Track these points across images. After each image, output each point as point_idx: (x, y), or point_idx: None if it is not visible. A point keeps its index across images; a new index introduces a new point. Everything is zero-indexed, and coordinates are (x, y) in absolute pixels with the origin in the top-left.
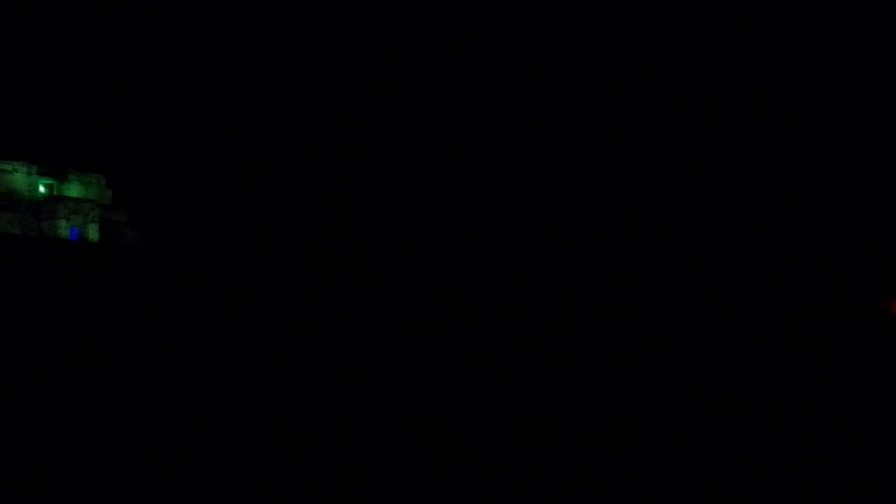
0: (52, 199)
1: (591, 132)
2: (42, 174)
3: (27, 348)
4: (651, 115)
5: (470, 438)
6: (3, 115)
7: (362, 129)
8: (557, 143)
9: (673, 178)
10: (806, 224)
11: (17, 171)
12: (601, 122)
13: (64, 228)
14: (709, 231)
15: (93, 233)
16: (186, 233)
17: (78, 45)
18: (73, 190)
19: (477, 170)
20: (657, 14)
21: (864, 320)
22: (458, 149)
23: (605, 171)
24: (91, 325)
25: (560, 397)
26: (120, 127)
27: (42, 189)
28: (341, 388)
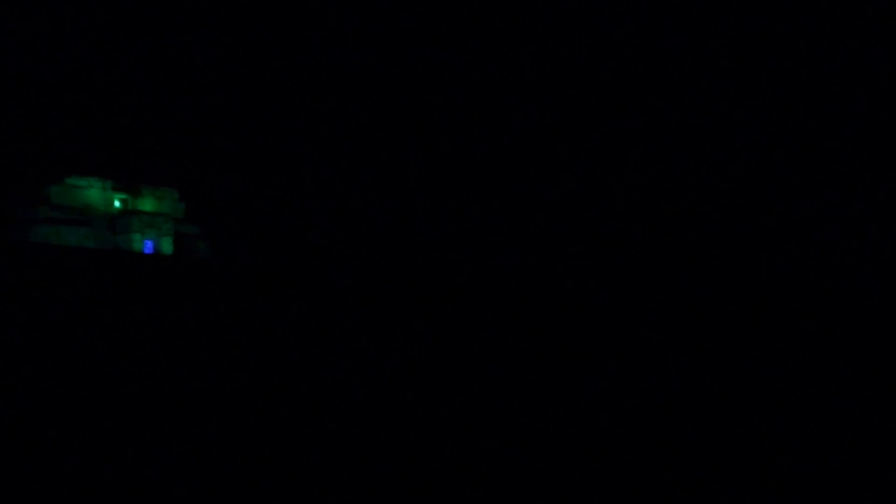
0: (127, 213)
1: (592, 132)
2: (117, 189)
3: (102, 360)
4: (651, 115)
5: (472, 439)
6: (79, 133)
7: (426, 147)
8: (558, 144)
9: (673, 179)
10: (806, 224)
11: (92, 187)
12: (601, 122)
13: (138, 242)
14: (709, 231)
15: (166, 246)
16: (258, 245)
17: (152, 64)
18: (147, 204)
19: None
20: (657, 14)
21: (865, 320)
22: (463, 150)
23: (606, 172)
24: (165, 338)
25: (560, 397)
26: (192, 142)
27: (117, 204)
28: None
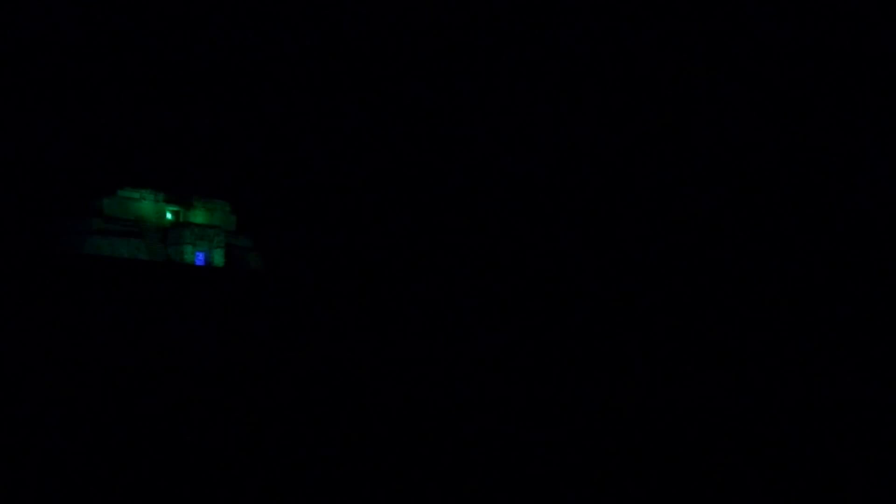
0: (179, 225)
1: (592, 132)
2: (169, 201)
3: (155, 370)
4: (651, 116)
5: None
6: (132, 146)
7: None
8: (559, 144)
9: (674, 179)
10: (807, 224)
11: (145, 199)
12: (601, 122)
13: (190, 254)
14: (710, 231)
15: (218, 258)
16: (309, 257)
17: (204, 79)
18: (199, 216)
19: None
20: (657, 14)
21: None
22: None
23: (606, 172)
24: (216, 347)
25: (560, 398)
26: (243, 155)
27: (169, 216)
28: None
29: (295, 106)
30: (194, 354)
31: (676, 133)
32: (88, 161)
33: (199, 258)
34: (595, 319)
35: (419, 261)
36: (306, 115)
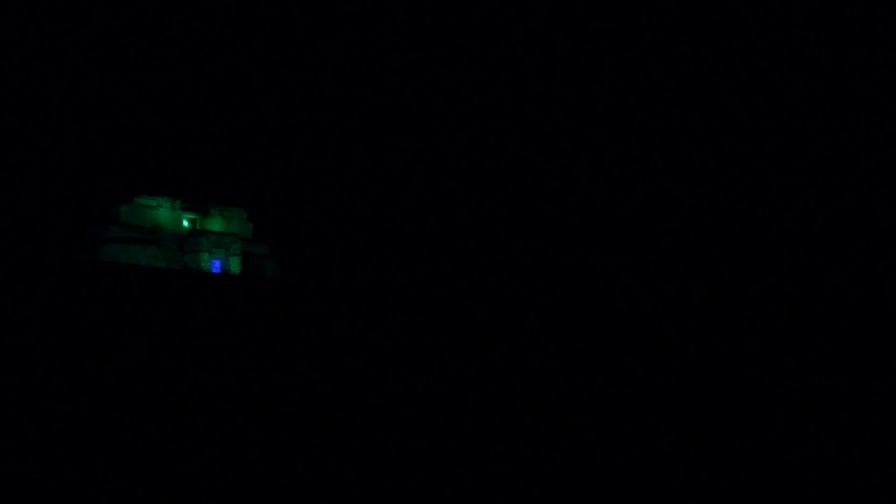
0: (196, 233)
1: (591, 132)
2: (186, 209)
3: (171, 378)
4: (651, 116)
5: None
6: (150, 155)
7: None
8: (559, 144)
9: (674, 179)
10: (806, 224)
11: (162, 207)
12: (601, 122)
13: (207, 261)
14: (709, 231)
15: (235, 265)
16: (326, 264)
17: (221, 90)
18: (216, 224)
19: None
20: (657, 14)
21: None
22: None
23: (606, 172)
24: (232, 356)
25: (561, 398)
26: (259, 163)
27: (186, 224)
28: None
29: (311, 115)
30: (210, 362)
31: (676, 134)
32: (106, 169)
33: (216, 266)
34: (594, 319)
35: (437, 267)
36: (322, 123)
